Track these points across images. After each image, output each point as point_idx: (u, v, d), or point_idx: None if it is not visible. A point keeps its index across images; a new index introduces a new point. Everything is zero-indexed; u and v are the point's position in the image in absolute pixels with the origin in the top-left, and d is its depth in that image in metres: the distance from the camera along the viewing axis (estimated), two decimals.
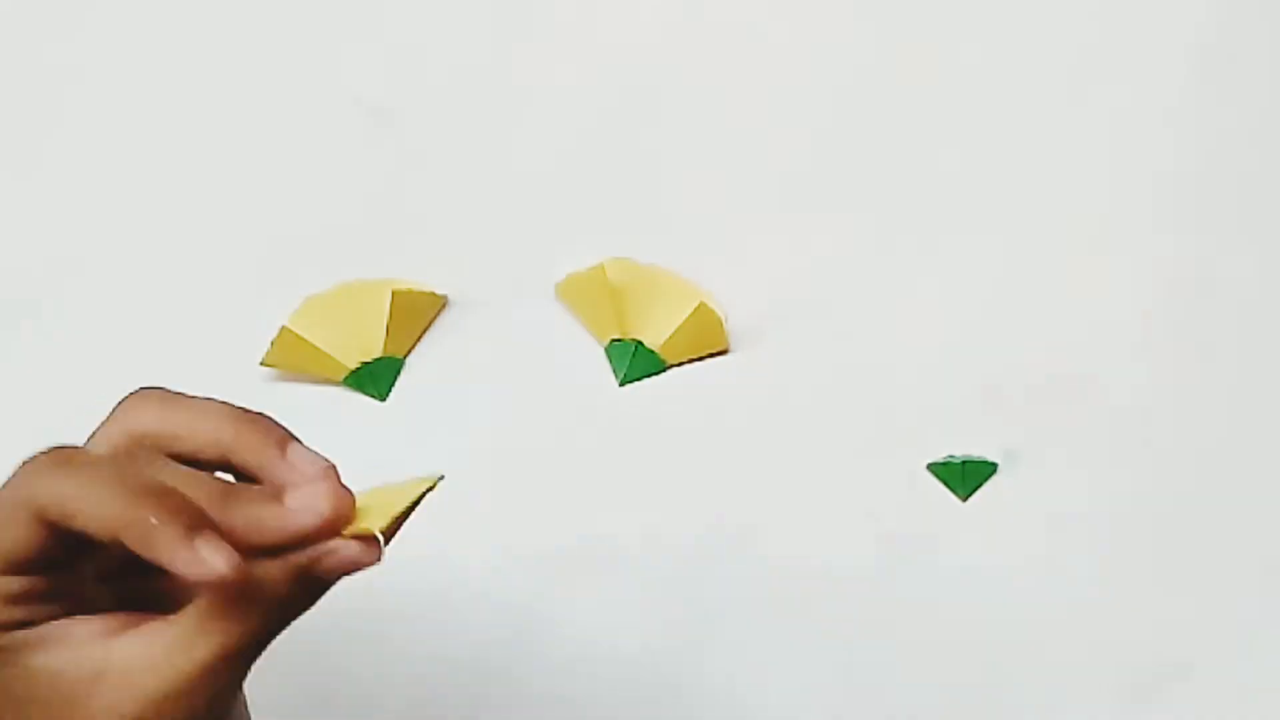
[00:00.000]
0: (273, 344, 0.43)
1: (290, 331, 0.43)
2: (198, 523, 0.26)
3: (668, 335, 0.44)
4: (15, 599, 0.28)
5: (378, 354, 0.44)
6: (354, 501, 0.28)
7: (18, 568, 0.28)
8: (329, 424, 0.44)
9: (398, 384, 0.44)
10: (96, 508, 0.27)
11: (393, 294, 0.44)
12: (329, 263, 0.45)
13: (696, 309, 0.44)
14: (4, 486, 0.28)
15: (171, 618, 0.28)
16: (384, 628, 0.42)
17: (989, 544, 0.43)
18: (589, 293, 0.44)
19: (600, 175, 0.46)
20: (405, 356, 0.45)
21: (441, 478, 0.29)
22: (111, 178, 0.47)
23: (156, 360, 0.45)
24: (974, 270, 0.45)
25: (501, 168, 0.46)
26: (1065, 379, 0.44)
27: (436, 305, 0.45)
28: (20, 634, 0.28)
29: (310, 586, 0.28)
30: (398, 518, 0.28)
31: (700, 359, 0.44)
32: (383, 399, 0.44)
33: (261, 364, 0.44)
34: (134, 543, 0.26)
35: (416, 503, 0.29)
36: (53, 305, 0.45)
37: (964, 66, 0.47)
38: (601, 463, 0.44)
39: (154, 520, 0.26)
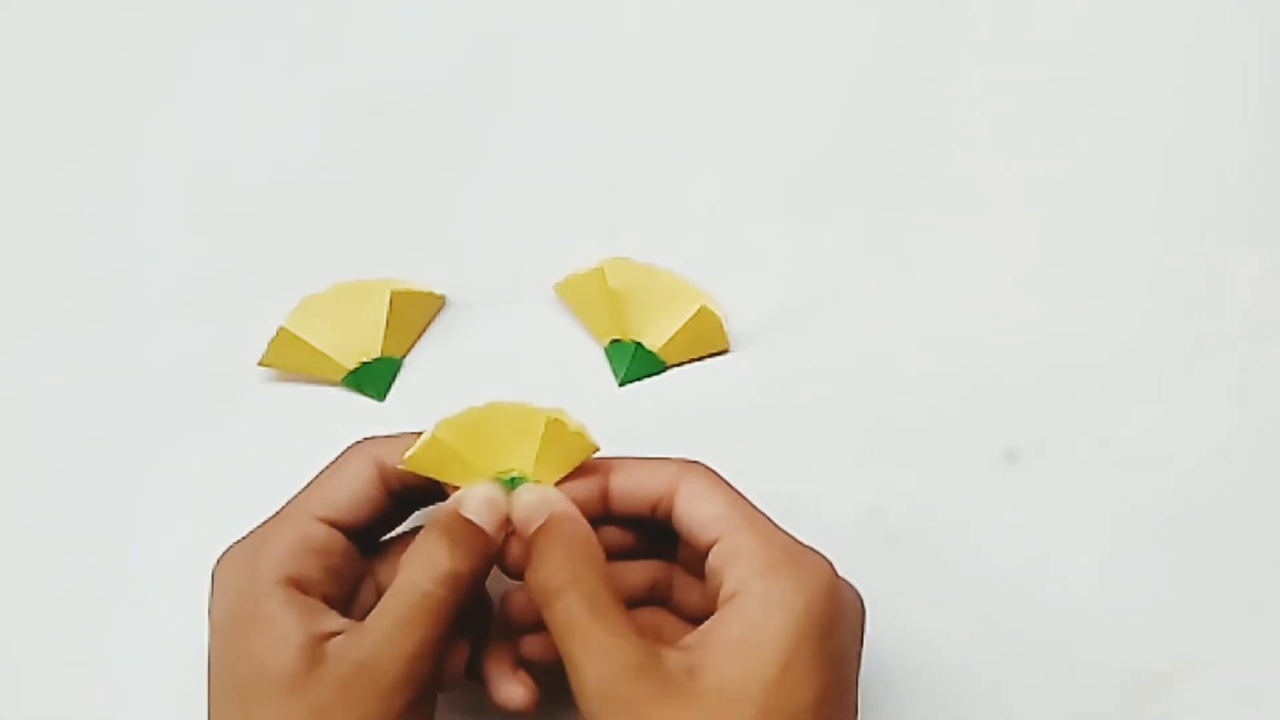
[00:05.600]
0: (270, 344, 0.43)
1: (288, 332, 0.43)
2: None
3: (668, 337, 0.44)
4: (328, 558, 0.35)
5: (376, 354, 0.44)
6: None
7: (353, 517, 0.35)
8: (327, 425, 0.44)
9: (396, 384, 0.44)
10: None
11: (391, 294, 0.43)
12: (327, 263, 0.45)
13: (698, 312, 0.43)
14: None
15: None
16: None
17: (991, 543, 0.43)
18: (589, 294, 0.44)
19: (600, 175, 0.46)
20: (404, 357, 0.45)
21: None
22: (109, 175, 0.46)
23: (155, 360, 0.45)
24: (975, 270, 0.45)
25: (501, 168, 0.46)
26: (1066, 379, 0.44)
27: (435, 305, 0.45)
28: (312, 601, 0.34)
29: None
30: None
31: (700, 359, 0.44)
32: (381, 399, 0.44)
33: (259, 364, 0.44)
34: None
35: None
36: (51, 306, 0.45)
37: (965, 66, 0.47)
38: None
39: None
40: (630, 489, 0.36)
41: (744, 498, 0.35)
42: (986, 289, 0.45)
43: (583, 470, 0.36)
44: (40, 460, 0.44)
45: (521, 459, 0.36)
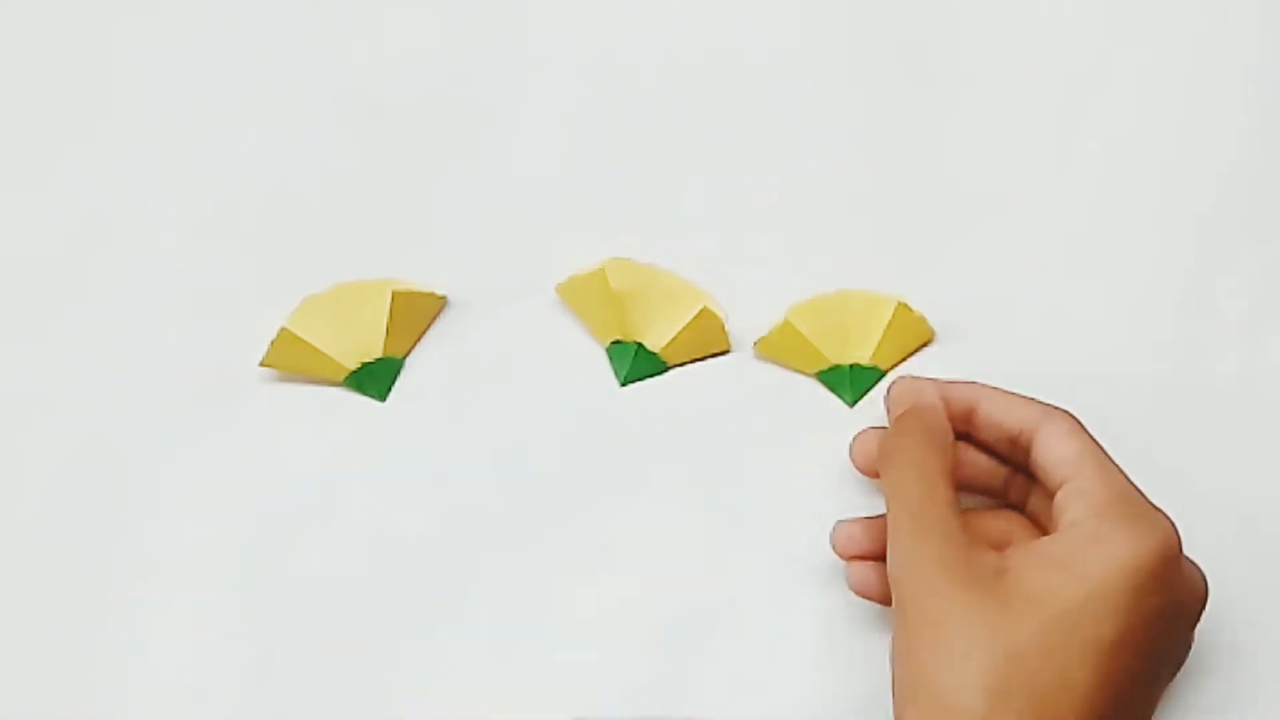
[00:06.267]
0: (272, 345, 0.43)
1: (289, 332, 0.43)
2: None
3: (669, 338, 0.44)
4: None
5: (378, 355, 0.44)
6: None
7: None
8: (329, 425, 0.44)
9: (397, 385, 0.44)
10: None
11: (393, 294, 0.43)
12: (328, 263, 0.45)
13: (699, 313, 0.43)
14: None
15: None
16: (385, 632, 0.42)
17: None
18: (590, 294, 0.44)
19: (601, 175, 0.46)
20: (405, 357, 0.45)
21: None
22: (109, 176, 0.46)
23: (155, 360, 0.45)
24: (974, 272, 0.45)
25: (501, 168, 0.46)
26: (1066, 379, 0.44)
27: (436, 305, 0.45)
28: None
29: None
30: None
31: (702, 360, 0.44)
32: (382, 400, 0.44)
33: (260, 365, 0.44)
34: None
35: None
36: (51, 305, 0.45)
37: (966, 67, 0.47)
38: (601, 463, 0.44)
39: None
40: (998, 416, 0.38)
41: (1103, 449, 0.36)
42: (986, 289, 0.45)
43: (955, 388, 0.39)
44: (40, 460, 0.44)
45: (864, 345, 0.41)
